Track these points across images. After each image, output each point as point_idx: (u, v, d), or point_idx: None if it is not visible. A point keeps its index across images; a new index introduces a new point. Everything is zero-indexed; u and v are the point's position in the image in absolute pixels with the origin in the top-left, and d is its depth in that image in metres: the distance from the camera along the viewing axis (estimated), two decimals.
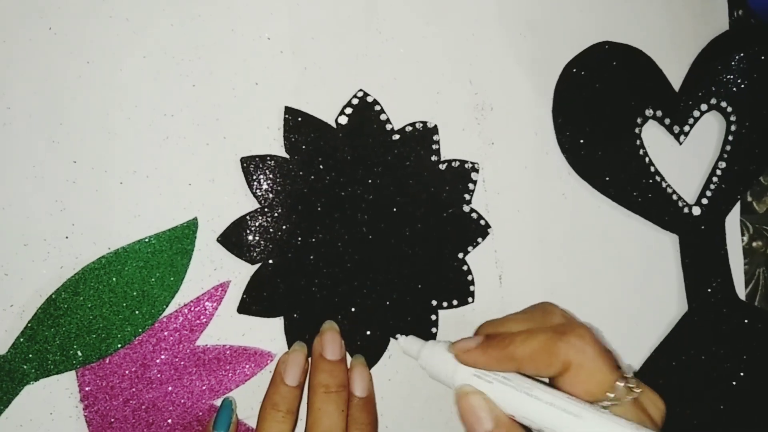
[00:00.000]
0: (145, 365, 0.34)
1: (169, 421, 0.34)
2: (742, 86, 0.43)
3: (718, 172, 0.42)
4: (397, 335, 0.36)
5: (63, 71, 0.34)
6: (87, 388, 0.33)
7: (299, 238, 0.36)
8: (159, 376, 0.34)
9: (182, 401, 0.34)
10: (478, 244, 0.39)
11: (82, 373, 0.33)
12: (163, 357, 0.34)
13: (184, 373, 0.34)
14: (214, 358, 0.35)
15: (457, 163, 0.38)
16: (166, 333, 0.34)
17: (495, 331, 0.33)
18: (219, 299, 0.35)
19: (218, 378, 0.35)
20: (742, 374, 0.42)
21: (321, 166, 0.36)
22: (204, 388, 0.34)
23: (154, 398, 0.34)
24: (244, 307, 0.35)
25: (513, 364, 0.31)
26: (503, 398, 0.30)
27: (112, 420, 0.33)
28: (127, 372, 0.34)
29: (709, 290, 0.42)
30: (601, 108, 0.41)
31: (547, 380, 0.32)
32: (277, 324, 0.36)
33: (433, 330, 0.38)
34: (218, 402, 0.35)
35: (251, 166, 0.36)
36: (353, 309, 0.37)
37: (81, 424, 0.34)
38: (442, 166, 0.38)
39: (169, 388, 0.34)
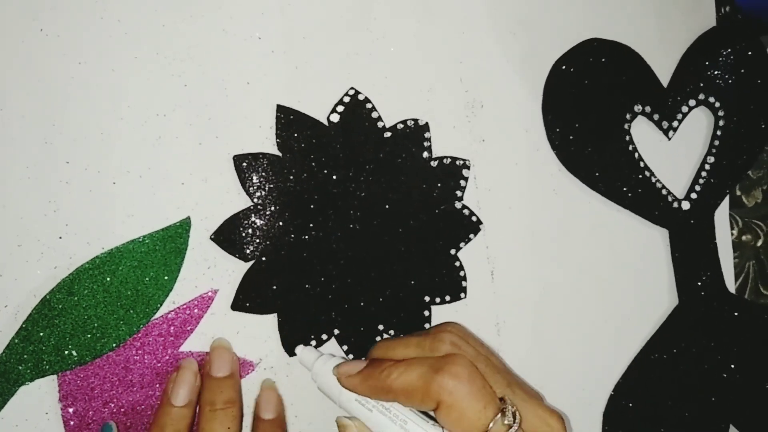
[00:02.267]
0: (127, 368, 0.34)
1: (148, 424, 0.34)
2: (730, 81, 0.43)
3: (707, 166, 0.43)
4: (299, 346, 0.35)
5: (55, 72, 0.34)
6: (66, 389, 0.33)
7: (292, 236, 0.36)
8: (140, 379, 0.34)
9: None
10: (470, 240, 0.39)
11: (63, 374, 0.33)
12: (145, 361, 0.34)
13: (165, 377, 0.34)
14: None
15: (449, 160, 0.39)
16: (150, 338, 0.34)
17: (384, 355, 0.32)
18: (206, 307, 0.35)
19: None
20: (732, 366, 0.42)
21: (313, 164, 0.37)
22: None
23: (134, 401, 0.34)
24: (238, 305, 0.35)
25: (390, 396, 0.30)
26: (380, 428, 0.31)
27: (90, 422, 0.33)
28: (108, 374, 0.34)
29: (699, 284, 0.42)
30: (590, 104, 0.41)
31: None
32: (271, 321, 0.36)
33: (426, 326, 0.38)
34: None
35: (244, 164, 0.36)
36: (346, 306, 0.37)
37: None
38: (434, 163, 0.38)
39: (150, 392, 0.34)
